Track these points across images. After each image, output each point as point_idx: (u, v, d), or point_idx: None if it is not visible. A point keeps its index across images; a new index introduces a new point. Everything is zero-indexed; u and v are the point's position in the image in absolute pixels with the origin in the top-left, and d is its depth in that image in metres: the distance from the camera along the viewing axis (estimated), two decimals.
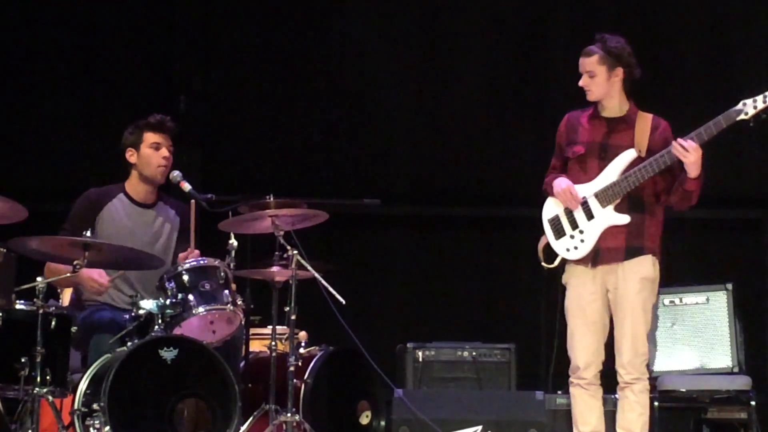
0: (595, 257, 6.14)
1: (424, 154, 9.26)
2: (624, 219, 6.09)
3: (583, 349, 6.17)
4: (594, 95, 6.18)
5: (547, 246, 6.25)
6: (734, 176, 8.90)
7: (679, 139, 5.94)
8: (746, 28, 9.00)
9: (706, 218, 8.68)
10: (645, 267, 6.12)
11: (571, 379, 6.25)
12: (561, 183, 6.19)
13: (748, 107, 5.91)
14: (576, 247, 6.18)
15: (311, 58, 9.25)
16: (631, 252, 6.11)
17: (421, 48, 9.30)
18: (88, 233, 5.97)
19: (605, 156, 6.14)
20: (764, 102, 5.90)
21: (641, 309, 6.10)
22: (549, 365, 6.87)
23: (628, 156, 6.10)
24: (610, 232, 6.11)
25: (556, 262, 6.24)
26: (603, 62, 6.14)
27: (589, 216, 6.15)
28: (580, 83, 6.17)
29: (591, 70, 6.15)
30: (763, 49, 8.90)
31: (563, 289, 6.27)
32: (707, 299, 7.45)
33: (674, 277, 6.65)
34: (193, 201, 6.51)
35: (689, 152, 5.91)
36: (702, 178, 6.00)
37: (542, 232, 6.27)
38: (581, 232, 6.17)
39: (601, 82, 6.15)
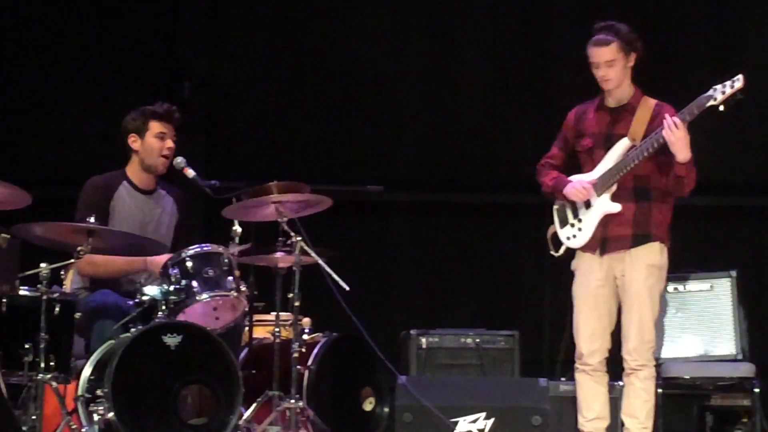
0: (603, 246, 6.14)
1: (428, 140, 9.25)
2: (615, 207, 6.10)
3: (589, 336, 6.17)
4: (613, 83, 6.13)
5: (555, 234, 6.28)
6: (739, 163, 8.90)
7: (667, 116, 5.92)
8: (751, 11, 8.96)
9: (710, 205, 8.67)
10: (652, 254, 6.12)
11: (576, 365, 6.25)
12: (572, 185, 6.17)
13: (717, 93, 5.89)
14: (575, 236, 6.21)
15: (316, 45, 9.24)
16: (638, 239, 6.10)
17: (426, 34, 9.28)
18: (92, 219, 5.96)
19: (609, 146, 6.14)
20: (732, 87, 5.87)
21: (648, 296, 6.10)
22: (555, 352, 6.86)
23: (622, 145, 6.10)
24: (616, 220, 6.11)
25: (561, 251, 6.26)
26: (621, 50, 6.10)
27: (588, 205, 6.17)
28: (600, 74, 6.09)
29: (611, 59, 6.09)
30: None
31: (572, 276, 6.27)
32: (711, 286, 7.44)
33: (678, 264, 6.62)
34: None
35: (675, 128, 5.87)
36: (692, 164, 5.98)
37: (551, 221, 6.30)
38: (580, 220, 6.20)
39: (620, 70, 6.12)
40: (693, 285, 7.45)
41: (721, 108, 5.88)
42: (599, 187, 6.12)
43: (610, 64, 6.09)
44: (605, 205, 6.12)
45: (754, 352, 7.39)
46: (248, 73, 9.28)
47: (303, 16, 9.23)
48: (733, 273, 7.43)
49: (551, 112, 6.69)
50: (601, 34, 6.12)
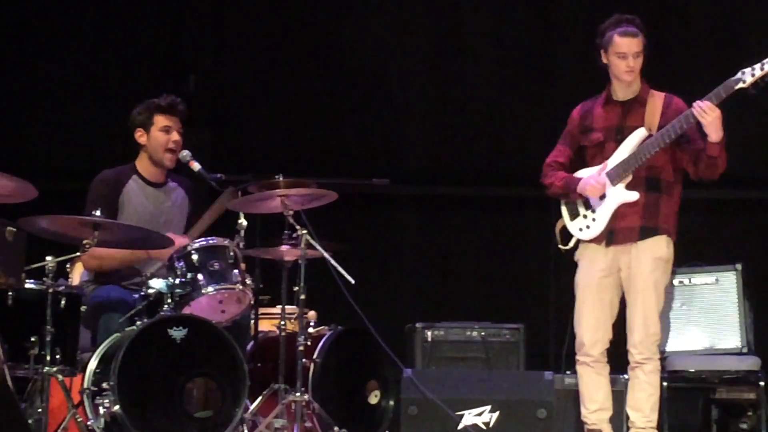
0: (610, 237, 6.14)
1: (434, 134, 9.25)
2: (633, 196, 6.09)
3: (590, 326, 6.18)
4: (635, 75, 6.14)
5: (564, 228, 6.28)
6: (744, 156, 8.84)
7: (698, 101, 5.92)
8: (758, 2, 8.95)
9: (715, 198, 8.66)
10: (659, 247, 6.12)
11: (577, 357, 6.26)
12: (585, 181, 6.16)
13: (746, 75, 5.91)
14: (588, 226, 6.20)
15: (321, 38, 9.23)
16: (646, 232, 6.11)
17: (432, 28, 9.27)
18: (98, 213, 5.97)
19: (622, 138, 6.14)
20: (762, 69, 5.89)
21: (653, 289, 6.11)
22: (560, 346, 6.86)
23: (638, 135, 6.10)
24: (625, 212, 6.11)
25: (571, 244, 6.27)
26: (644, 42, 6.12)
27: (602, 195, 6.16)
28: (629, 64, 6.08)
29: (639, 50, 6.12)
30: None
31: (576, 268, 6.27)
32: (716, 280, 7.43)
33: (684, 257, 6.63)
34: None
35: (707, 112, 5.88)
36: (724, 143, 5.98)
37: (557, 213, 6.30)
38: (593, 211, 6.19)
39: (641, 62, 6.14)
40: (698, 278, 7.45)
41: (752, 91, 5.89)
42: (614, 177, 6.12)
43: (638, 55, 6.10)
44: (621, 194, 6.12)
45: (759, 345, 7.39)
46: (253, 67, 9.28)
47: (308, 9, 9.23)
48: (739, 266, 7.43)
49: (556, 105, 6.69)
50: (627, 26, 6.11)
